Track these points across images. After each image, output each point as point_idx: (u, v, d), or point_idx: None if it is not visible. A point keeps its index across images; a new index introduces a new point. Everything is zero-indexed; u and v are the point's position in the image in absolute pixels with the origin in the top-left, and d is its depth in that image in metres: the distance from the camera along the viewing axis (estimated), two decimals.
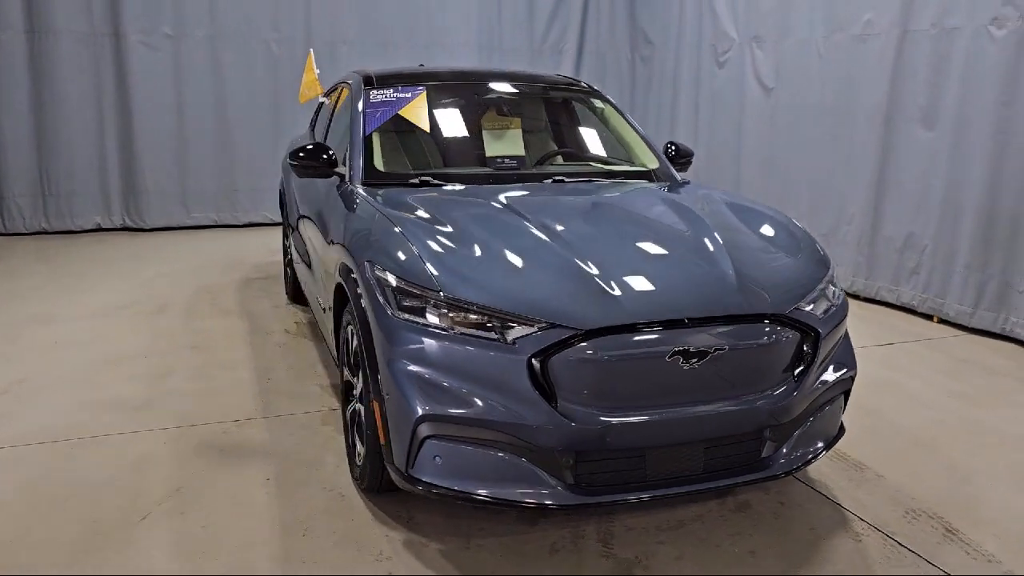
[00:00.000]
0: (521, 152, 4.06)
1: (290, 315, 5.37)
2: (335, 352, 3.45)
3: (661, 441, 2.57)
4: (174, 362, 4.46)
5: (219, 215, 8.49)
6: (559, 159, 4.16)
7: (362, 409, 2.91)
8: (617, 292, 2.55)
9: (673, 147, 4.26)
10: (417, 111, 3.88)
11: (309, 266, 4.26)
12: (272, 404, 3.89)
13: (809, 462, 2.83)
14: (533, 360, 2.42)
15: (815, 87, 6.48)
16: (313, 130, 5.34)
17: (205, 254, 7.24)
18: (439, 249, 2.74)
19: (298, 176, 3.81)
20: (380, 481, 2.86)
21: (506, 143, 4.08)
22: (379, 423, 2.66)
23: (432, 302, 2.55)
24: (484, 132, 4.06)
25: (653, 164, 4.05)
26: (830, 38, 6.30)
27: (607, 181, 3.86)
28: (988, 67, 5.09)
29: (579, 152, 4.24)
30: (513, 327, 2.46)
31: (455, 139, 4.03)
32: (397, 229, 2.89)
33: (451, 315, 2.52)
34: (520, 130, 4.12)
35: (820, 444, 2.89)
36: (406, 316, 2.58)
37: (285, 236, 5.73)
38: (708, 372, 2.54)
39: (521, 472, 2.50)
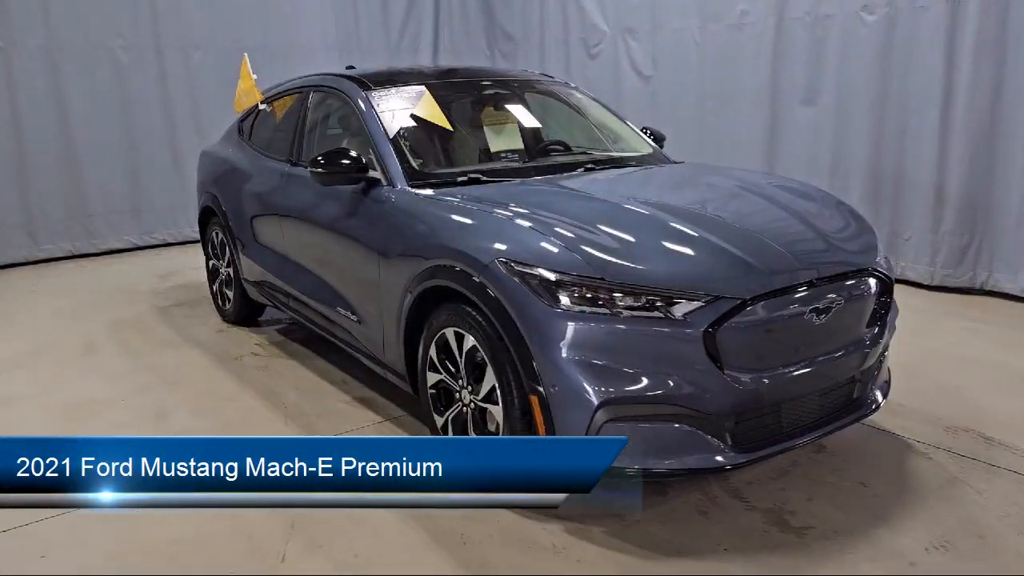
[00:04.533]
0: (520, 146, 4.13)
1: (244, 338, 5.01)
2: (401, 360, 3.34)
3: (796, 393, 2.81)
4: (158, 402, 4.03)
5: (74, 245, 7.59)
6: (559, 148, 4.23)
7: (494, 409, 2.86)
8: (753, 260, 2.75)
9: (649, 132, 4.52)
10: (430, 109, 3.82)
11: (316, 281, 4.05)
12: (314, 426, 3.68)
13: (882, 402, 3.20)
14: (707, 332, 2.56)
15: (694, 73, 7.05)
16: (248, 139, 4.99)
17: (85, 288, 6.48)
18: (575, 237, 2.78)
19: (323, 184, 3.61)
20: None
21: (506, 138, 4.13)
22: (538, 416, 2.67)
23: (594, 289, 2.60)
24: (485, 128, 4.09)
25: (646, 149, 4.28)
26: (705, 27, 6.90)
27: (634, 165, 4.03)
28: (862, 48, 5.86)
29: (580, 141, 4.35)
30: (678, 303, 2.58)
31: (464, 136, 4.02)
32: (523, 223, 2.89)
33: (615, 299, 2.59)
34: (516, 125, 4.19)
35: (885, 385, 3.28)
36: (566, 307, 2.61)
37: (215, 256, 5.32)
38: (830, 325, 2.82)
39: (692, 440, 2.63)
